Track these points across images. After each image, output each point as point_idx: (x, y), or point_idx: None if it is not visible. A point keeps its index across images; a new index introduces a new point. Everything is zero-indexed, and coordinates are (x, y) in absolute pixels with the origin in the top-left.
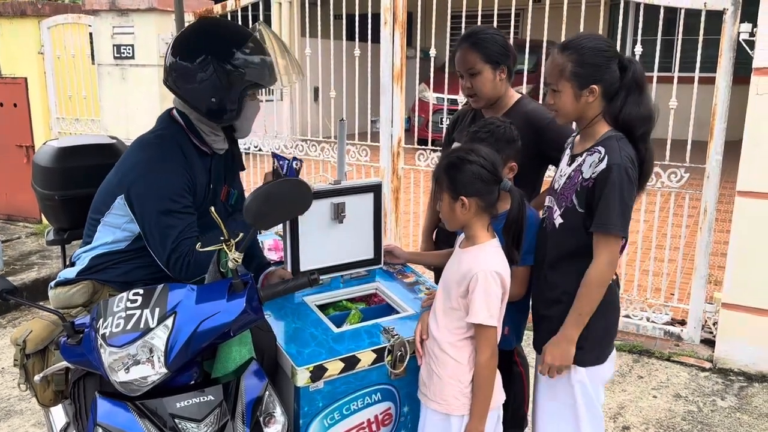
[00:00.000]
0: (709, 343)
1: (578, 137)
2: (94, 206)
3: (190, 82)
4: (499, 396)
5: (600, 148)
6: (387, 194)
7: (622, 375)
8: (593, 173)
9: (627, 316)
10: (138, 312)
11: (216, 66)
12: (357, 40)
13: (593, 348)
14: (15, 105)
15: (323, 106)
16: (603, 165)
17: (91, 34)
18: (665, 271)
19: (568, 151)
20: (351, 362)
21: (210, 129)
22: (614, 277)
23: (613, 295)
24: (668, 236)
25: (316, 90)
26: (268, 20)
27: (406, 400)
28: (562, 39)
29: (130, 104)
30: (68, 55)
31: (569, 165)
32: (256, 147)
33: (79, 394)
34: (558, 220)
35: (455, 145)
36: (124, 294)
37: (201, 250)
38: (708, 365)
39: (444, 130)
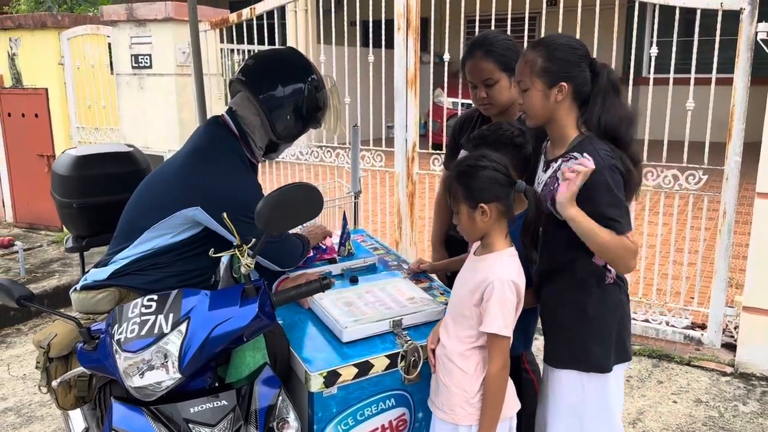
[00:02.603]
0: (731, 347)
1: (549, 142)
2: (138, 215)
3: (279, 91)
4: (512, 405)
5: (575, 153)
6: (402, 199)
7: (641, 380)
8: None
9: (646, 321)
10: (152, 318)
11: (310, 90)
12: (371, 46)
13: (607, 350)
14: (36, 115)
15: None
16: None
17: (110, 44)
18: (685, 275)
19: (542, 157)
20: (364, 368)
21: (260, 141)
22: (610, 274)
23: (613, 294)
24: (687, 239)
25: None
26: (283, 29)
27: (420, 406)
28: (595, 43)
29: (148, 113)
30: (88, 66)
31: (544, 172)
32: None
33: (102, 400)
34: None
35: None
36: (139, 300)
37: (214, 255)
38: (729, 370)
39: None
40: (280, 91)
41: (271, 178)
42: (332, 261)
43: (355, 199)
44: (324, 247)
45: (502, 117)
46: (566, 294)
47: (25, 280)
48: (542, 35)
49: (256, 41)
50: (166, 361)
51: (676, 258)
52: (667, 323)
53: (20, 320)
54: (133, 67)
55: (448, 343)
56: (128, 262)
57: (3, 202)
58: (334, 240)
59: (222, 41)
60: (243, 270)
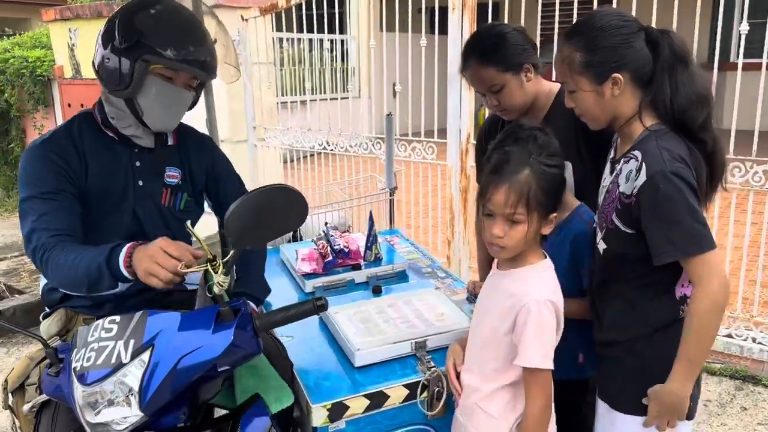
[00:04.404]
0: None
1: (619, 138)
2: None
3: (98, 42)
4: None
5: (636, 152)
6: (455, 194)
7: (721, 405)
8: (634, 188)
9: (729, 336)
10: (111, 344)
11: (119, 25)
12: (423, 31)
13: (694, 392)
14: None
15: (400, 102)
16: (642, 177)
17: None
18: None
19: (611, 154)
20: (378, 399)
21: (113, 109)
22: (684, 307)
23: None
24: None
25: (395, 86)
26: (342, 16)
27: None
28: (674, 23)
29: (198, 103)
30: None
31: (610, 174)
32: (320, 145)
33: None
34: (601, 246)
35: None
36: (100, 321)
37: (184, 270)
38: None
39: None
40: (101, 31)
41: (325, 170)
42: (356, 267)
43: (390, 196)
44: (347, 250)
45: (526, 117)
46: (633, 327)
47: None
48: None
49: (315, 29)
50: (130, 396)
51: (765, 262)
52: (754, 339)
53: None
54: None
55: (470, 378)
56: (43, 286)
57: None
58: (360, 243)
59: (281, 29)
60: (216, 289)
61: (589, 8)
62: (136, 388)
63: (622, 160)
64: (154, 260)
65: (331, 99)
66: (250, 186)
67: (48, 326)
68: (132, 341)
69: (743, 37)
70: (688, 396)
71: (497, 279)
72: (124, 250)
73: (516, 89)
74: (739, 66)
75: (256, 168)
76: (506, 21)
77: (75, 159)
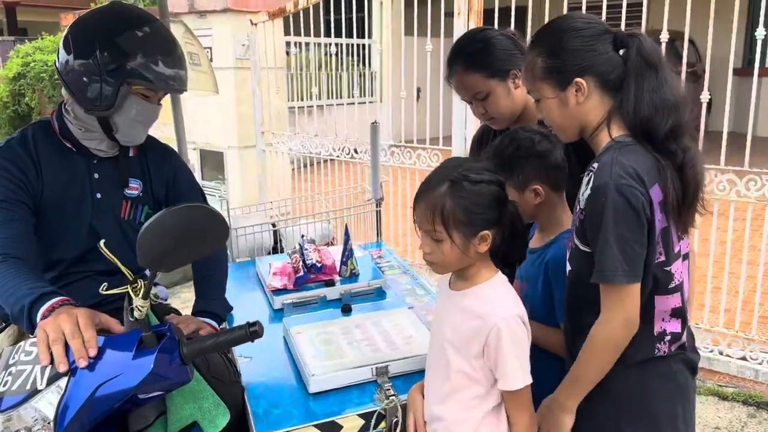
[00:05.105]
0: None
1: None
2: None
3: (68, 53)
4: None
5: (594, 165)
6: None
7: None
8: (584, 201)
9: (744, 359)
10: (29, 368)
11: (98, 42)
12: (429, 35)
13: None
14: None
15: (407, 108)
16: (588, 190)
17: None
18: None
19: None
20: (330, 430)
21: (81, 123)
22: (664, 344)
23: (663, 366)
24: None
25: (418, 91)
26: (362, 21)
27: None
28: (686, 27)
29: (208, 108)
30: None
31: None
32: (327, 152)
33: None
34: (567, 267)
35: None
36: (22, 343)
37: (105, 292)
38: None
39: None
40: (66, 39)
41: (341, 175)
42: (330, 283)
43: (376, 207)
44: (320, 265)
45: (516, 125)
46: None
47: None
48: (644, 23)
49: (335, 33)
50: (49, 424)
51: None
52: None
53: None
54: (193, 62)
55: (446, 411)
56: None
57: None
58: (338, 257)
59: (298, 33)
60: (136, 314)
61: (617, 12)
62: (51, 416)
63: (585, 174)
64: (59, 329)
65: (350, 104)
66: (255, 190)
67: (0, 341)
68: (49, 366)
69: (759, 43)
70: (569, 414)
71: (454, 299)
72: (47, 304)
73: (502, 97)
74: (755, 73)
75: (265, 174)
76: (530, 26)
77: (32, 170)
